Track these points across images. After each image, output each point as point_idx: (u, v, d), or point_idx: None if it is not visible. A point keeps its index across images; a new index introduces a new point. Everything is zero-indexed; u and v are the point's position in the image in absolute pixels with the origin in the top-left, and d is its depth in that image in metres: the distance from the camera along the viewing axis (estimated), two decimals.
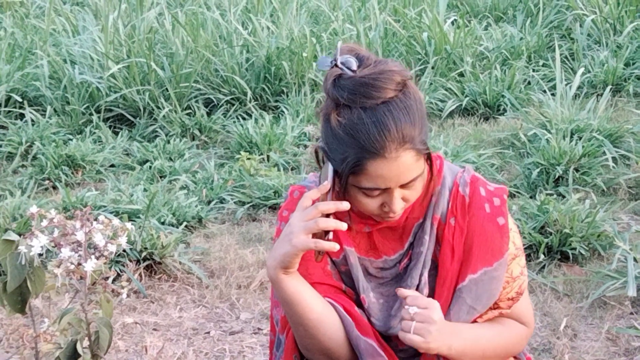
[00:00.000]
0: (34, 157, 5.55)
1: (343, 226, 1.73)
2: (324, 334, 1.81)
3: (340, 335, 1.83)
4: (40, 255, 2.01)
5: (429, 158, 1.77)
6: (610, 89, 5.73)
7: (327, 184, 1.75)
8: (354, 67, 1.72)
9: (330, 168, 1.75)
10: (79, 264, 1.96)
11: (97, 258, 1.97)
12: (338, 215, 1.81)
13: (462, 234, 1.86)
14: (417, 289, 1.87)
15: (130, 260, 3.77)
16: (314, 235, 1.73)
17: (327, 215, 1.75)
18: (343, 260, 1.90)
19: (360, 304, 1.90)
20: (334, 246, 1.72)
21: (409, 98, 1.71)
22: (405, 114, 1.68)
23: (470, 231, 1.86)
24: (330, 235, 1.75)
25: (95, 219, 2.03)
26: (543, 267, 3.70)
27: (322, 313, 1.81)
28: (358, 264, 1.90)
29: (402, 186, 1.73)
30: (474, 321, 1.87)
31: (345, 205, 1.74)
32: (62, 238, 2.00)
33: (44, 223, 2.02)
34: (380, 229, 1.89)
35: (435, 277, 1.88)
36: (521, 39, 6.89)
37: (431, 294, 1.88)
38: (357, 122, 1.68)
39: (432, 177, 1.83)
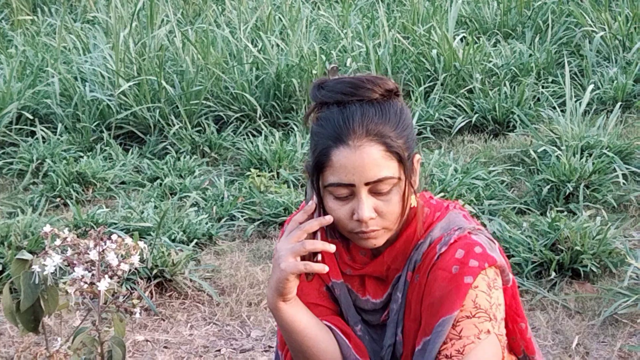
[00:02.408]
0: (45, 175, 5.57)
1: (331, 248, 1.71)
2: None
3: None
4: (53, 274, 2.01)
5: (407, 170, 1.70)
6: (620, 105, 5.73)
7: (312, 204, 1.74)
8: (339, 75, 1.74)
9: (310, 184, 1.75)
10: (92, 283, 1.97)
11: (111, 277, 1.97)
12: (326, 255, 1.77)
13: (420, 292, 1.76)
14: (394, 348, 1.83)
15: (142, 278, 3.78)
16: (303, 258, 1.72)
17: (314, 236, 1.74)
18: (333, 289, 1.88)
19: None
20: (323, 267, 1.70)
21: (390, 105, 1.70)
22: (378, 112, 1.68)
23: (427, 291, 1.74)
24: (319, 257, 1.73)
25: (109, 238, 2.04)
26: (554, 284, 3.69)
27: (320, 341, 1.80)
28: (347, 296, 1.87)
29: (372, 191, 1.68)
30: None
31: (328, 219, 1.71)
32: (76, 257, 2.01)
33: (57, 242, 2.03)
34: (367, 274, 1.85)
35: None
36: (530, 55, 6.90)
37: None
38: (328, 115, 1.69)
39: (418, 214, 1.77)
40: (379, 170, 1.66)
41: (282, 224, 4.59)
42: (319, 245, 1.70)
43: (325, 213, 1.73)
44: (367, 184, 1.67)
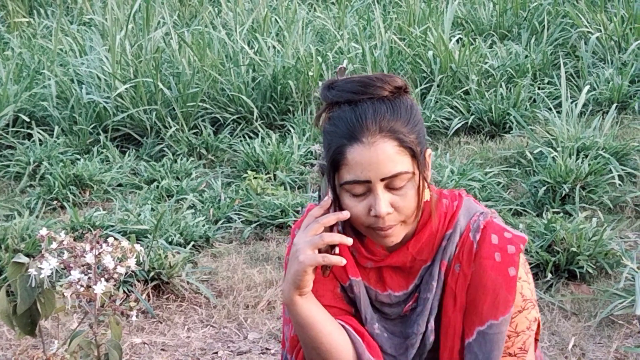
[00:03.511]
0: (42, 177, 5.57)
1: (348, 241, 1.72)
2: (337, 358, 1.81)
3: (352, 359, 1.83)
4: (49, 277, 2.02)
5: (420, 165, 1.73)
6: (616, 106, 5.74)
7: (328, 200, 1.76)
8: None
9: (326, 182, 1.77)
10: (89, 286, 1.97)
11: (107, 280, 1.98)
12: (345, 251, 1.80)
13: (466, 282, 1.80)
14: (423, 336, 1.85)
15: (138, 281, 3.78)
16: (320, 251, 1.74)
17: (331, 229, 1.76)
18: (349, 288, 1.90)
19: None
20: (341, 260, 1.72)
21: (400, 101, 1.73)
22: (390, 109, 1.71)
23: (475, 280, 1.79)
24: (337, 250, 1.75)
25: (105, 241, 2.04)
26: (550, 286, 3.70)
27: (335, 337, 1.80)
28: (365, 294, 1.89)
29: (387, 186, 1.70)
30: None
31: (345, 214, 1.73)
32: (72, 260, 2.02)
33: (54, 245, 2.04)
34: (389, 266, 1.87)
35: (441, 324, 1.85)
36: (526, 56, 6.91)
37: (437, 342, 1.85)
38: (340, 114, 1.72)
39: (432, 208, 1.81)
40: (394, 166, 1.69)
41: (278, 226, 4.60)
42: (337, 237, 1.72)
43: (342, 210, 1.75)
44: (382, 179, 1.69)
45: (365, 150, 1.68)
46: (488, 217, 1.85)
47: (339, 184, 1.73)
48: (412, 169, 1.71)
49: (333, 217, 1.73)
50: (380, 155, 1.68)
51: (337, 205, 1.76)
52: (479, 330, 1.79)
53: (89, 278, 1.99)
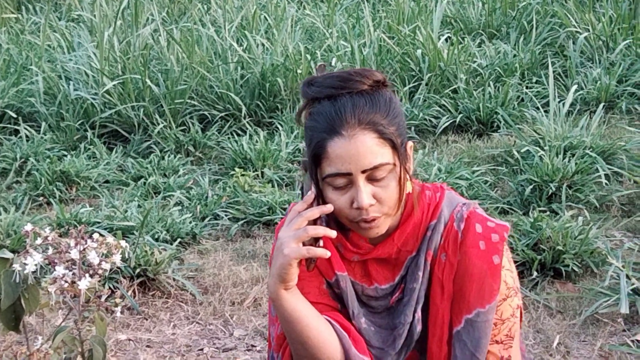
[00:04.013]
0: (28, 173, 5.55)
1: (332, 233, 1.73)
2: (323, 352, 1.81)
3: (338, 355, 1.82)
4: (34, 272, 2.01)
5: (401, 156, 1.74)
6: (603, 106, 5.76)
7: (311, 194, 1.77)
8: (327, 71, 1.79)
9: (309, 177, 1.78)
10: (73, 282, 1.97)
11: (92, 276, 1.97)
12: (328, 246, 1.81)
13: (452, 271, 1.83)
14: (410, 326, 1.86)
15: (124, 277, 3.77)
16: (305, 244, 1.74)
17: (315, 223, 1.76)
18: (336, 284, 1.90)
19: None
20: (325, 252, 1.72)
21: (379, 94, 1.75)
22: (369, 102, 1.72)
23: (461, 269, 1.82)
24: (321, 243, 1.76)
25: (90, 237, 2.03)
26: (536, 284, 3.71)
27: (322, 332, 1.81)
28: (351, 289, 1.90)
29: (369, 178, 1.71)
30: None
31: (328, 207, 1.74)
32: (57, 256, 2.01)
33: (39, 241, 2.03)
34: (374, 258, 1.88)
35: (428, 314, 1.87)
36: (514, 56, 6.92)
37: (424, 331, 1.87)
38: (320, 109, 1.74)
39: (414, 198, 1.83)
40: (374, 157, 1.70)
41: (266, 224, 4.60)
42: (321, 230, 1.73)
43: (325, 204, 1.76)
44: (364, 171, 1.71)
45: (345, 143, 1.69)
46: (471, 208, 1.88)
47: (321, 178, 1.74)
48: (392, 160, 1.73)
49: (316, 211, 1.74)
50: (360, 147, 1.69)
51: (321, 199, 1.77)
52: (467, 318, 1.81)
53: (74, 274, 1.98)
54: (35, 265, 1.97)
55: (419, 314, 1.86)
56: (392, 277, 1.89)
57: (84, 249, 2.00)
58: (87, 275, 1.96)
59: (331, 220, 1.84)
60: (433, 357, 1.85)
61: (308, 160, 1.75)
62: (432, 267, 1.85)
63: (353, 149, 1.69)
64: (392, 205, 1.76)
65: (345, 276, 1.89)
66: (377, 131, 1.70)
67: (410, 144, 1.82)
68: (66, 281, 1.96)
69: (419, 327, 1.86)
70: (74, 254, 1.97)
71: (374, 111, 1.71)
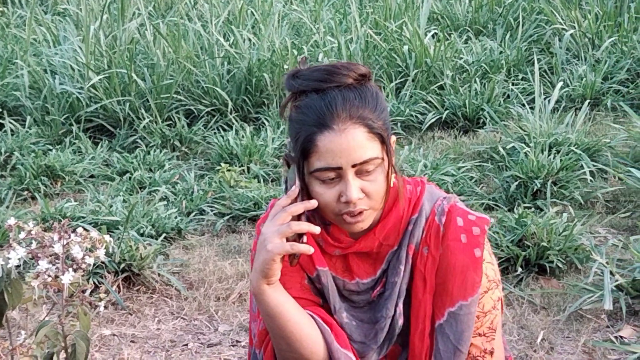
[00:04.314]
0: (13, 168, 5.53)
1: (316, 229, 1.73)
2: (306, 347, 1.81)
3: (321, 349, 1.82)
4: (17, 267, 2.00)
5: (388, 151, 1.75)
6: (589, 103, 5.78)
7: (295, 189, 1.77)
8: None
9: (295, 171, 1.77)
10: (56, 276, 1.96)
11: (75, 270, 1.97)
12: (311, 241, 1.81)
13: (434, 264, 1.84)
14: (392, 320, 1.87)
15: (109, 272, 3.76)
16: (288, 240, 1.74)
17: (299, 218, 1.76)
18: (317, 279, 1.90)
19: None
20: (309, 248, 1.72)
21: (366, 89, 1.75)
22: (357, 96, 1.73)
23: (444, 262, 1.83)
24: (304, 239, 1.75)
25: (74, 231, 2.03)
26: (520, 280, 3.72)
27: (304, 326, 1.81)
28: (332, 284, 1.90)
29: (358, 172, 1.72)
30: None
31: (313, 203, 1.74)
32: (40, 250, 2.00)
33: (22, 235, 2.02)
34: (355, 253, 1.89)
35: (410, 308, 1.87)
36: (501, 52, 6.94)
37: (406, 325, 1.87)
38: (308, 103, 1.74)
39: (399, 193, 1.84)
40: (364, 152, 1.71)
41: (251, 219, 4.60)
42: (305, 226, 1.73)
43: (310, 199, 1.76)
44: (353, 165, 1.71)
45: (336, 137, 1.69)
46: (452, 201, 1.89)
47: (309, 172, 1.74)
48: (381, 155, 1.74)
49: (301, 206, 1.74)
50: (351, 141, 1.69)
51: (306, 194, 1.77)
52: (449, 311, 1.82)
53: (57, 268, 1.97)
54: (19, 259, 1.96)
55: (400, 307, 1.87)
56: (374, 271, 1.90)
57: (67, 243, 1.99)
58: (70, 269, 1.96)
59: (312, 215, 1.84)
60: (415, 351, 1.86)
61: (295, 154, 1.75)
62: (414, 261, 1.86)
63: (344, 143, 1.69)
64: (379, 199, 1.77)
65: (326, 271, 1.89)
66: (367, 125, 1.71)
67: (393, 137, 1.83)
68: (49, 275, 1.95)
69: (400, 321, 1.87)
70: (57, 248, 1.96)
71: (364, 105, 1.72)
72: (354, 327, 1.91)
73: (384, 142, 1.74)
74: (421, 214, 1.87)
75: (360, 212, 1.75)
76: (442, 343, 1.83)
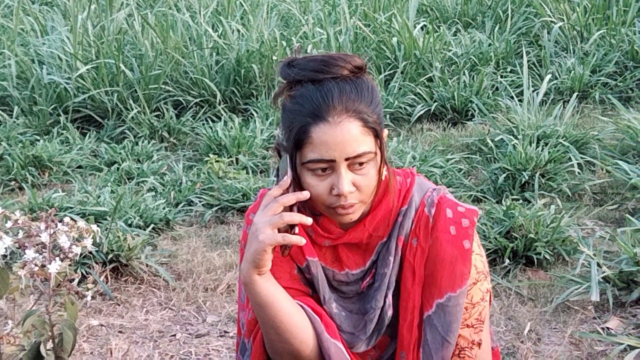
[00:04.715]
0: (0, 158, 5.50)
1: (308, 220, 1.73)
2: (296, 337, 1.81)
3: (311, 339, 1.82)
4: (4, 256, 1.99)
5: (381, 145, 1.75)
6: (577, 95, 5.80)
7: (287, 179, 1.76)
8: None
9: (287, 161, 1.76)
10: (43, 265, 1.95)
11: (62, 260, 1.96)
12: (301, 231, 1.81)
13: (424, 256, 1.84)
14: (381, 311, 1.87)
15: (97, 263, 3.75)
16: (280, 231, 1.74)
17: (290, 209, 1.76)
18: (307, 269, 1.90)
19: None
20: (301, 239, 1.72)
21: (362, 82, 1.75)
22: (353, 90, 1.73)
23: (433, 254, 1.83)
24: (296, 230, 1.75)
25: (60, 221, 2.02)
26: (508, 271, 3.73)
27: (294, 316, 1.80)
28: (322, 274, 1.90)
29: (350, 166, 1.72)
30: None
31: (305, 194, 1.74)
32: (27, 240, 1.99)
33: (9, 224, 2.01)
34: (345, 244, 1.89)
35: (399, 299, 1.87)
36: (490, 45, 6.95)
37: (395, 316, 1.88)
38: (304, 93, 1.73)
39: (390, 185, 1.84)
40: (358, 146, 1.70)
41: (240, 210, 4.59)
42: (297, 217, 1.72)
43: (301, 190, 1.76)
44: (347, 159, 1.71)
45: (331, 129, 1.69)
46: (441, 193, 1.90)
47: (301, 163, 1.74)
48: (374, 149, 1.74)
49: (293, 197, 1.74)
50: (345, 134, 1.69)
51: (297, 184, 1.76)
52: (438, 302, 1.82)
53: (44, 257, 1.97)
54: (5, 248, 1.95)
55: (389, 299, 1.87)
56: (363, 262, 1.90)
57: (54, 233, 1.98)
58: (57, 259, 1.95)
59: (303, 205, 1.83)
60: (404, 342, 1.86)
61: (289, 144, 1.74)
62: (404, 252, 1.86)
63: (339, 135, 1.69)
64: (370, 193, 1.77)
65: (316, 261, 1.89)
66: (362, 119, 1.71)
67: (385, 132, 1.83)
68: (36, 265, 1.94)
69: (389, 312, 1.87)
70: (44, 238, 1.96)
71: (360, 99, 1.72)
72: (343, 318, 1.91)
73: (377, 136, 1.74)
74: (411, 205, 1.87)
75: (351, 205, 1.75)
76: (430, 334, 1.83)
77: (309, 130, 1.70)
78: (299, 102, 1.73)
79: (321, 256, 1.91)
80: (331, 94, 1.70)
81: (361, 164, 1.72)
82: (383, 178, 1.82)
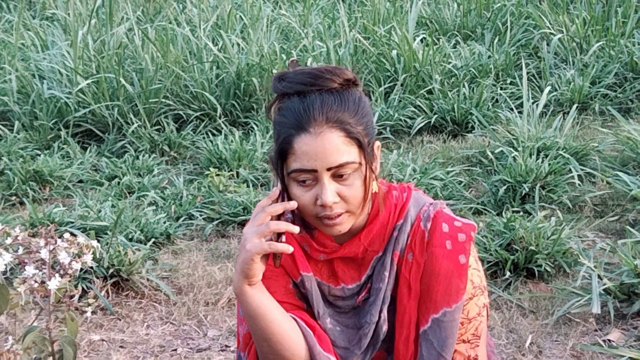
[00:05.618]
0: (1, 173, 5.51)
1: (295, 229, 1.73)
2: (288, 349, 1.81)
3: (303, 351, 1.82)
4: (4, 273, 1.99)
5: (367, 157, 1.75)
6: (577, 107, 5.80)
7: (276, 190, 1.78)
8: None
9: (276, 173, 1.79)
10: (43, 282, 1.95)
11: (62, 276, 1.96)
12: (296, 246, 1.82)
13: (419, 270, 1.84)
14: (376, 326, 1.87)
15: (97, 277, 3.75)
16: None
17: (279, 219, 1.76)
18: (301, 284, 1.90)
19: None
20: (288, 247, 1.72)
21: (349, 94, 1.76)
22: (337, 101, 1.73)
23: (428, 269, 1.83)
24: (283, 238, 1.76)
25: (60, 237, 2.02)
26: (509, 284, 3.73)
27: (286, 328, 1.81)
28: (317, 289, 1.90)
29: (334, 176, 1.72)
30: None
31: (292, 204, 1.74)
32: (27, 256, 1.99)
33: (9, 240, 2.01)
34: (341, 258, 1.89)
35: (395, 314, 1.87)
36: (489, 57, 6.95)
37: (391, 331, 1.87)
38: (289, 105, 1.75)
39: (379, 199, 1.84)
40: (340, 156, 1.71)
41: (240, 224, 4.60)
42: (283, 225, 1.73)
43: (290, 200, 1.77)
44: (329, 169, 1.72)
45: (312, 140, 1.70)
46: (438, 207, 1.89)
47: (287, 173, 1.75)
48: (358, 160, 1.74)
49: (280, 207, 1.75)
50: (326, 145, 1.70)
51: (286, 195, 1.78)
52: (433, 317, 1.82)
53: (44, 274, 1.97)
54: (5, 265, 1.95)
55: (384, 313, 1.87)
56: (359, 276, 1.90)
57: (54, 249, 1.98)
58: (57, 275, 1.95)
59: (297, 219, 1.84)
60: (400, 357, 1.86)
61: (275, 155, 1.76)
62: (399, 267, 1.86)
63: (319, 146, 1.70)
64: (357, 204, 1.77)
65: (310, 276, 1.89)
66: (344, 130, 1.71)
67: (377, 143, 1.83)
68: (36, 281, 1.94)
69: (384, 327, 1.87)
70: (44, 254, 1.96)
71: (342, 110, 1.72)
72: (337, 333, 1.91)
73: (362, 147, 1.74)
74: (406, 220, 1.87)
75: (338, 215, 1.75)
76: (425, 349, 1.83)
77: (292, 141, 1.71)
78: (284, 114, 1.75)
79: (317, 271, 1.91)
80: (312, 105, 1.71)
81: (345, 174, 1.72)
82: (374, 190, 1.82)
